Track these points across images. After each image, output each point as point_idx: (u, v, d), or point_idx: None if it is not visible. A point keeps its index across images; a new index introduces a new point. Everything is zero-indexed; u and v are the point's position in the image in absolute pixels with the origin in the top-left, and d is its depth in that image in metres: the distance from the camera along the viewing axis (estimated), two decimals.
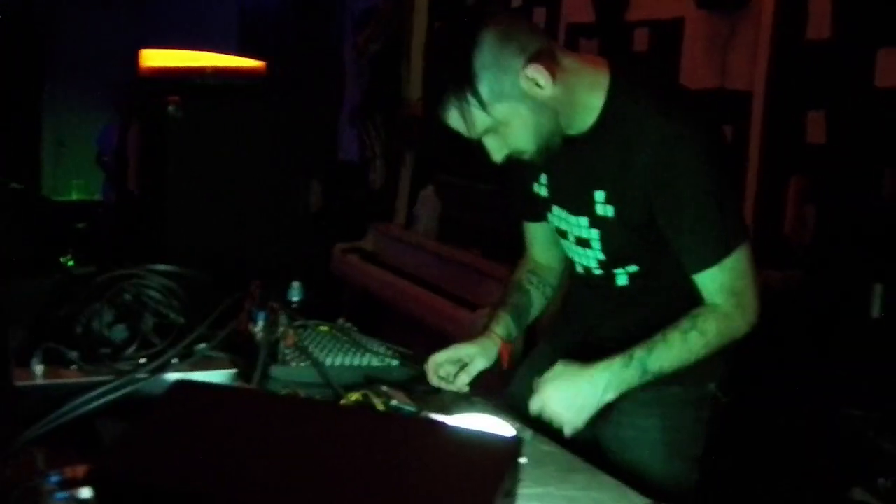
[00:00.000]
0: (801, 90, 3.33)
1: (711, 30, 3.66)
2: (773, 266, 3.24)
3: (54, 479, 1.31)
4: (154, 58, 3.62)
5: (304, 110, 5.92)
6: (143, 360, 1.66)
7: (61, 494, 1.28)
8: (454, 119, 1.63)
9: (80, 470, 1.31)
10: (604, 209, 1.71)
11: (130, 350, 1.68)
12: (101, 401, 1.54)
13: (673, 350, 1.63)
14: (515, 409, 1.81)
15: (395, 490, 1.03)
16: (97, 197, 7.76)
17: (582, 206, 1.74)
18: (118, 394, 1.56)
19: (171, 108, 3.08)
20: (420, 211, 4.78)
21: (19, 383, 1.58)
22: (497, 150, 1.67)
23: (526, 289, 2.00)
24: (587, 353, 1.71)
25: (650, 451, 1.79)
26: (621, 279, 1.79)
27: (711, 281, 1.65)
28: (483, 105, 1.58)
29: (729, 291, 1.64)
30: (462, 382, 1.84)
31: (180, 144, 3.23)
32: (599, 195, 1.71)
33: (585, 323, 1.91)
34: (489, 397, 1.91)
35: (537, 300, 2.00)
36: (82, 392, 1.55)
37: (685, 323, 1.64)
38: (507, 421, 1.65)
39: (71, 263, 6.59)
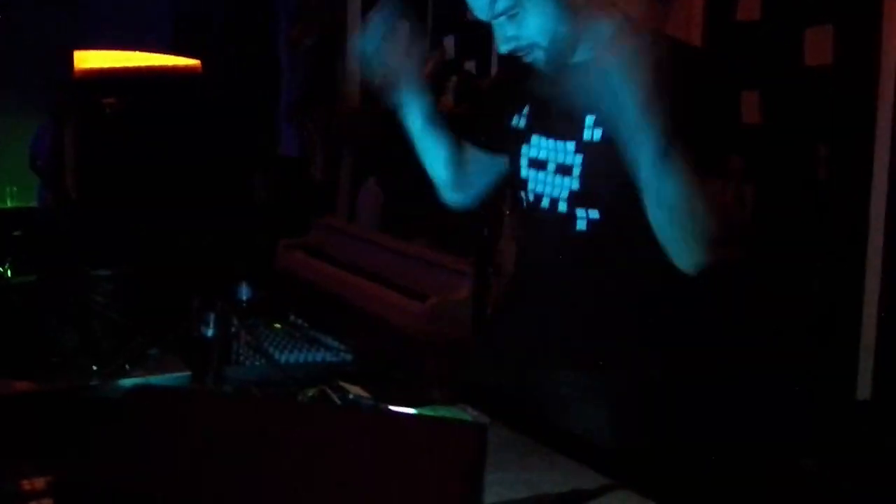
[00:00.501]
0: (734, 71, 3.40)
1: (644, 13, 3.71)
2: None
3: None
4: (88, 59, 3.57)
5: (242, 106, 5.88)
6: (94, 367, 1.64)
7: None
8: None
9: (41, 482, 1.30)
10: (590, 133, 1.72)
11: (81, 357, 1.66)
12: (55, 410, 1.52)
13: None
14: (476, 386, 1.83)
15: (366, 484, 1.04)
16: (32, 203, 7.60)
17: (570, 130, 1.75)
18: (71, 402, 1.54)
19: (108, 109, 3.04)
20: (362, 204, 4.78)
21: None
22: (507, 40, 1.66)
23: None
24: (544, 326, 1.73)
25: (598, 431, 1.81)
26: (581, 223, 1.78)
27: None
28: None
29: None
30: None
31: (118, 145, 3.19)
32: (590, 119, 1.72)
33: (539, 283, 1.89)
34: (442, 387, 1.92)
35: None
36: (37, 403, 1.53)
37: None
38: (465, 408, 1.66)
39: (9, 272, 6.47)
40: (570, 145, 1.76)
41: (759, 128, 3.31)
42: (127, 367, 1.65)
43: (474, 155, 2.00)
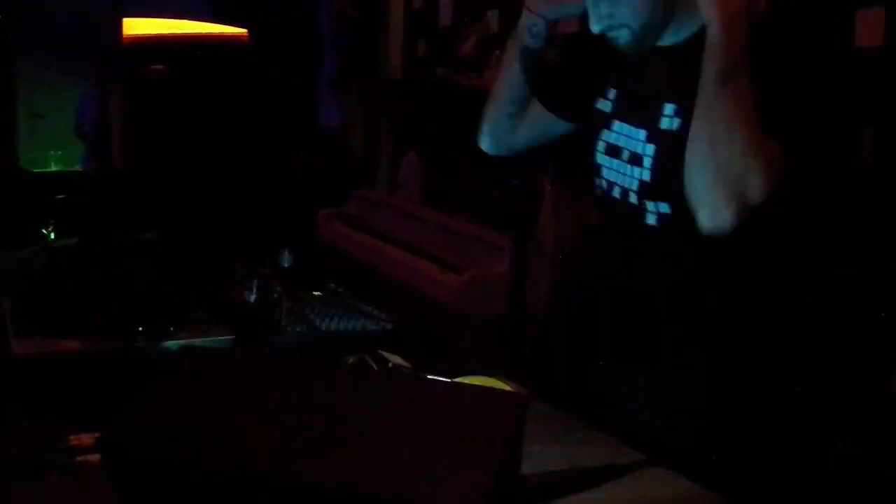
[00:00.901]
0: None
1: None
2: None
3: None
4: (136, 26, 3.60)
5: (284, 77, 5.90)
6: (140, 329, 1.67)
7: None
8: None
9: (87, 438, 1.33)
10: (669, 122, 1.70)
11: (129, 319, 1.69)
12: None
13: None
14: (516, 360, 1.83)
15: (406, 449, 1.05)
16: (76, 168, 7.69)
17: (646, 117, 1.74)
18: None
19: (153, 76, 3.07)
20: (403, 177, 4.79)
21: (19, 353, 1.60)
22: (600, 18, 1.66)
23: None
24: (605, 317, 1.76)
25: (644, 406, 1.80)
26: (651, 217, 1.76)
27: None
28: None
29: None
30: None
31: (164, 112, 3.22)
32: (669, 108, 1.70)
33: (608, 275, 1.87)
34: (479, 359, 1.93)
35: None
36: (84, 362, 1.56)
37: None
38: (503, 380, 1.68)
39: (52, 235, 6.58)
40: (642, 133, 1.73)
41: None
42: (171, 329, 1.68)
43: (537, 112, 1.95)
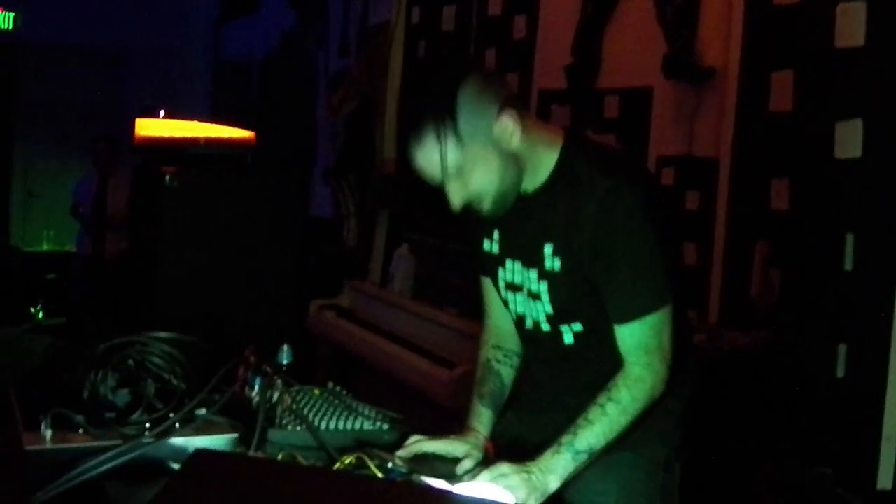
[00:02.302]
0: (764, 159, 3.48)
1: (679, 99, 3.82)
2: (740, 328, 3.37)
3: None
4: (149, 127, 3.73)
5: (280, 170, 6.03)
6: (147, 425, 1.72)
7: None
8: (426, 154, 1.73)
9: None
10: (552, 262, 1.82)
11: (135, 415, 1.74)
12: (111, 464, 1.60)
13: (595, 426, 1.72)
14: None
15: None
16: (69, 248, 7.75)
17: (532, 258, 1.85)
18: (126, 458, 1.62)
19: (167, 178, 3.18)
20: (395, 269, 4.87)
21: (29, 448, 1.64)
22: (457, 195, 1.77)
23: (496, 371, 2.08)
24: (546, 415, 1.87)
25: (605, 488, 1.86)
26: (567, 337, 1.89)
27: (630, 335, 1.76)
28: (459, 140, 1.70)
29: (643, 349, 1.75)
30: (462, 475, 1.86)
31: (174, 211, 3.33)
32: (548, 248, 1.82)
33: (539, 383, 2.03)
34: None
35: (508, 377, 2.09)
36: (91, 456, 1.61)
37: (601, 397, 1.74)
38: (503, 484, 1.72)
39: (41, 314, 6.59)
40: (534, 273, 1.86)
41: (788, 214, 3.37)
42: (177, 426, 1.73)
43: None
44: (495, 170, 1.74)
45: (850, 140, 3.19)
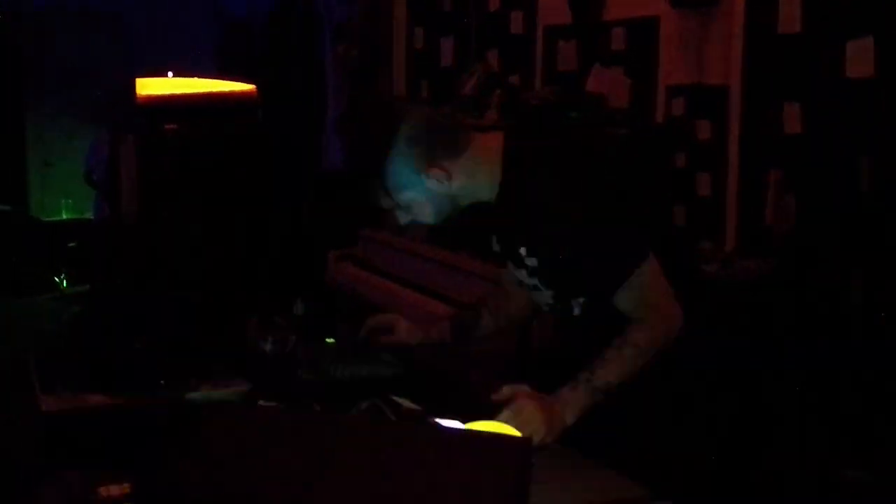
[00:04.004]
0: (775, 83, 3.43)
1: (686, 27, 3.76)
2: (757, 256, 3.35)
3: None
4: (149, 86, 3.71)
5: (290, 124, 6.00)
6: (163, 382, 1.74)
7: None
8: (367, 193, 1.91)
9: (117, 489, 1.39)
10: (530, 261, 1.94)
11: (151, 372, 1.75)
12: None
13: (612, 364, 1.79)
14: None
15: (414, 496, 1.11)
16: (87, 215, 7.78)
17: (517, 260, 1.97)
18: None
19: (170, 135, 3.17)
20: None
21: (46, 409, 1.66)
22: (402, 218, 1.96)
23: (480, 312, 2.26)
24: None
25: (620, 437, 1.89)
26: (576, 309, 1.97)
27: (625, 300, 1.83)
28: (389, 193, 1.87)
29: (644, 305, 1.82)
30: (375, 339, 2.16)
31: (178, 170, 3.33)
32: (523, 251, 1.94)
33: (558, 351, 2.14)
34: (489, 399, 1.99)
35: (486, 322, 2.25)
36: (112, 416, 1.63)
37: (618, 340, 1.81)
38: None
39: (64, 283, 6.64)
40: (524, 271, 1.97)
41: (801, 139, 3.34)
42: (192, 382, 1.74)
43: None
44: (431, 209, 1.90)
45: (861, 59, 3.14)
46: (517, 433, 1.57)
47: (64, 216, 8.31)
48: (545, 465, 1.63)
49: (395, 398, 1.82)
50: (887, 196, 3.09)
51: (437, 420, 1.71)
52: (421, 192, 1.87)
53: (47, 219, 8.20)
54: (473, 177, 1.89)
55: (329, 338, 2.13)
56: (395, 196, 1.87)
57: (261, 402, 1.74)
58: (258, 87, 3.86)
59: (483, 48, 4.94)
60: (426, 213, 1.91)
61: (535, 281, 1.97)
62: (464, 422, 1.68)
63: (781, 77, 3.40)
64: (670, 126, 3.82)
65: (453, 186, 1.86)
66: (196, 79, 3.76)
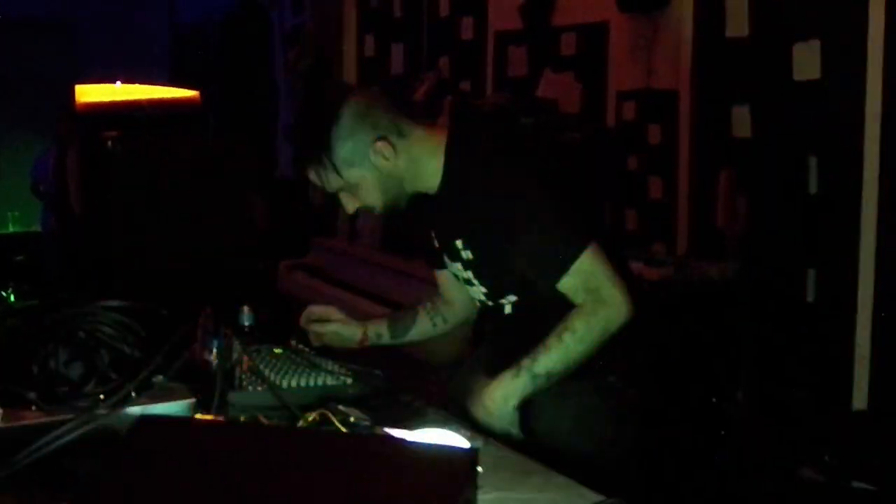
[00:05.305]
0: (724, 86, 3.45)
1: (635, 32, 3.77)
2: (708, 258, 3.36)
3: None
4: (89, 93, 3.64)
5: (241, 130, 5.94)
6: (102, 396, 1.68)
7: None
8: (313, 176, 1.93)
9: None
10: (466, 254, 1.96)
11: (89, 387, 1.70)
12: (65, 439, 1.56)
13: (552, 352, 1.82)
14: (461, 412, 1.91)
15: None
16: (34, 228, 7.63)
17: (452, 252, 1.99)
18: (81, 431, 1.58)
19: (110, 143, 3.11)
20: (363, 224, 4.82)
21: None
22: (349, 204, 1.98)
23: (417, 312, 2.28)
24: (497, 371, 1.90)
25: (566, 436, 1.93)
26: (507, 308, 2.00)
27: (568, 287, 1.84)
28: (337, 170, 1.89)
29: (586, 290, 1.83)
30: (313, 332, 2.23)
31: (122, 177, 3.27)
32: (459, 243, 1.96)
33: (490, 347, 2.14)
34: (439, 409, 1.97)
35: (422, 324, 2.28)
36: (44, 432, 1.57)
37: (558, 327, 1.83)
38: (461, 431, 1.70)
39: (12, 298, 6.51)
40: (458, 264, 2.00)
41: (750, 141, 3.36)
42: (133, 395, 1.69)
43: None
44: (377, 188, 1.92)
45: (808, 61, 3.16)
46: (465, 442, 1.55)
47: (11, 229, 8.16)
48: (498, 472, 1.61)
49: (343, 408, 1.78)
50: (835, 195, 3.11)
51: (385, 430, 1.68)
52: (367, 168, 1.89)
53: None
54: (417, 161, 1.92)
55: (277, 348, 2.08)
56: (343, 172, 1.89)
57: (199, 415, 1.70)
58: (210, 95, 3.82)
59: (434, 55, 4.93)
60: (373, 197, 1.94)
61: (469, 274, 1.99)
62: (411, 431, 1.65)
63: (730, 80, 3.42)
64: (621, 130, 3.83)
65: (399, 164, 1.90)
66: (140, 86, 3.70)
